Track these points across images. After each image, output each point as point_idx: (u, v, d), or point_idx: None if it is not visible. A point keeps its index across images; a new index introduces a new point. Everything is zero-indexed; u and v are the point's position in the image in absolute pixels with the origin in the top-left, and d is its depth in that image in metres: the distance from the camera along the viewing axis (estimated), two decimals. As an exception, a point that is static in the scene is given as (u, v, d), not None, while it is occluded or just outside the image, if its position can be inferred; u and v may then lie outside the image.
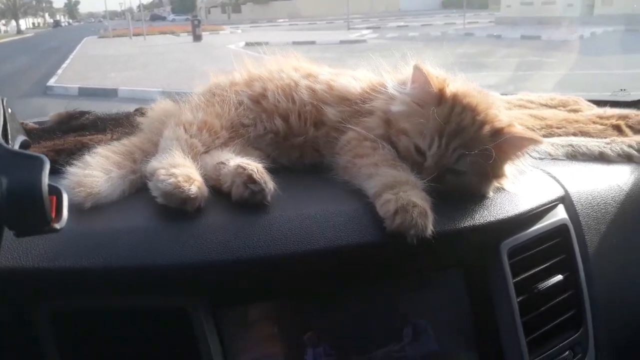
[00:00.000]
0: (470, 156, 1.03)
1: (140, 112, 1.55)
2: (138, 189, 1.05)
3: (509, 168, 1.10)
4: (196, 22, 23.51)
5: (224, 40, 22.34)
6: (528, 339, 1.05)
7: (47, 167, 0.57)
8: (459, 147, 1.03)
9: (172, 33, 29.43)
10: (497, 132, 1.04)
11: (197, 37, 22.33)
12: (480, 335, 1.07)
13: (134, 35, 26.37)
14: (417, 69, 1.07)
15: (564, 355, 1.08)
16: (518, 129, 1.06)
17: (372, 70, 1.31)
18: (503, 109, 1.13)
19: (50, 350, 0.83)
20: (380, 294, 1.04)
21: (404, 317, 1.05)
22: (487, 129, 1.04)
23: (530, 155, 1.11)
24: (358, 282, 1.02)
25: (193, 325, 0.88)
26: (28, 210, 0.55)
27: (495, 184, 1.10)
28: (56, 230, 0.58)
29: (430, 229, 0.93)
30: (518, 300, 1.06)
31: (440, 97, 1.05)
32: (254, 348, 0.96)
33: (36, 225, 0.56)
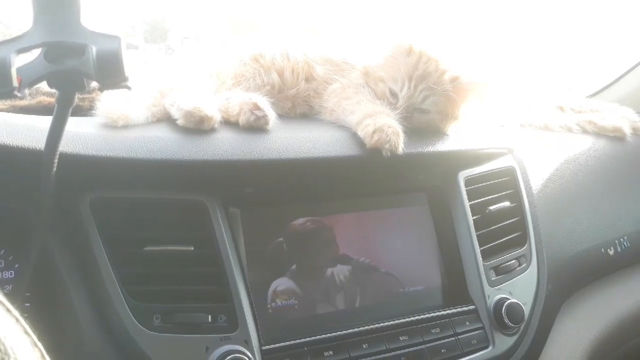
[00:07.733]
0: (434, 97, 1.27)
1: None
2: (158, 119, 1.24)
3: (464, 111, 1.33)
4: (170, 52, 23.79)
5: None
6: (482, 248, 1.27)
7: (123, 40, 0.77)
8: (424, 89, 1.27)
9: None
10: (455, 78, 1.28)
11: (171, 65, 22.56)
12: (442, 247, 1.29)
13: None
14: (392, 34, 1.32)
15: (511, 262, 1.30)
16: (472, 76, 1.30)
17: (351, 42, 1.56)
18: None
19: (91, 229, 1.00)
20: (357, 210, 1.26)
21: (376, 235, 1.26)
22: (447, 75, 1.28)
23: (486, 102, 1.36)
24: (341, 195, 1.24)
25: (209, 217, 1.07)
26: (112, 68, 0.75)
27: (453, 124, 1.33)
28: (129, 88, 0.78)
29: (401, 146, 1.16)
30: (473, 218, 1.29)
31: (410, 50, 1.30)
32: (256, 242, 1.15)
33: (117, 80, 0.76)
